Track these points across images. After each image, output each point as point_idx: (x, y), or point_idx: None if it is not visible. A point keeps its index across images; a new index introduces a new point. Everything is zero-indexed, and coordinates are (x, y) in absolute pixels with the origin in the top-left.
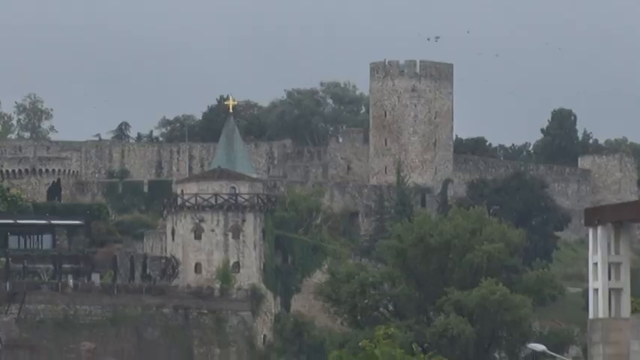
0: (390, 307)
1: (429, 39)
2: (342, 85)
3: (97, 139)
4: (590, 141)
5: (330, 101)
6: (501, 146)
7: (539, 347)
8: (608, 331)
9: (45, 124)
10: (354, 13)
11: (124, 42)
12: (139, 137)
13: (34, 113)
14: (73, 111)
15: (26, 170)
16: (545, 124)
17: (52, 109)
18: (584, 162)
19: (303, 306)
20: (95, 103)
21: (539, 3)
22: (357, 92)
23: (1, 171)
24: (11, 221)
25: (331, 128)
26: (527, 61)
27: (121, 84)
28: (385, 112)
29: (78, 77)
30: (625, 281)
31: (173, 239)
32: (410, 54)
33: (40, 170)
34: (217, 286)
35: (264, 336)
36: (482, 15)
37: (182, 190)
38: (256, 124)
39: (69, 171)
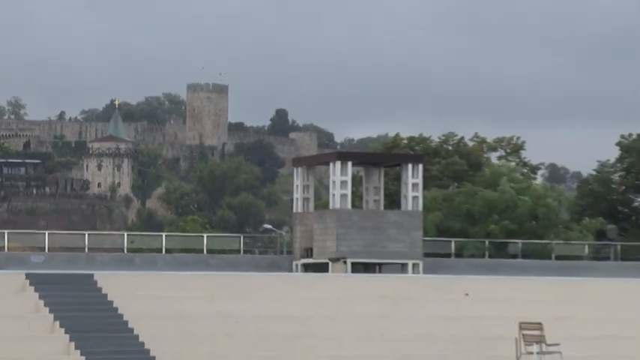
0: (195, 205)
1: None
2: (173, 94)
3: (48, 119)
4: (296, 124)
5: (167, 103)
6: (252, 126)
7: (268, 226)
8: (303, 218)
9: (22, 111)
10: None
11: (53, 71)
12: (71, 119)
13: (15, 106)
14: (36, 105)
15: (11, 135)
16: (272, 115)
17: (25, 104)
18: (293, 135)
19: (152, 205)
20: (47, 102)
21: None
22: (180, 98)
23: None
24: (3, 160)
25: (167, 116)
26: (261, 78)
27: (58, 94)
28: (194, 109)
29: (35, 87)
30: (312, 194)
31: (87, 171)
32: (207, 78)
33: (19, 134)
34: (109, 194)
35: (132, 219)
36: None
37: (92, 146)
38: (129, 113)
39: (34, 135)
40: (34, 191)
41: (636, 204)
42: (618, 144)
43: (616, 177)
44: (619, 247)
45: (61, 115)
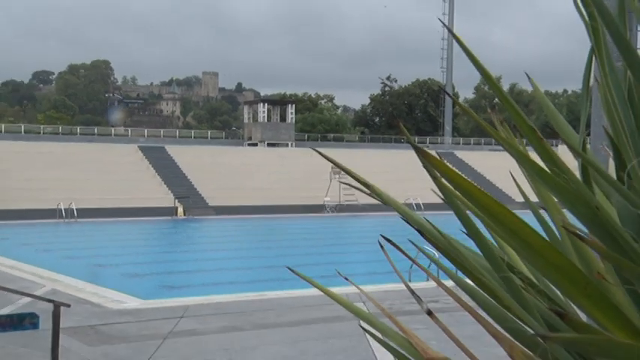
0: (205, 120)
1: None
2: (195, 75)
3: (145, 84)
4: (244, 87)
5: (193, 79)
6: (228, 89)
7: (234, 128)
8: (248, 125)
9: (136, 81)
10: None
11: None
12: (153, 84)
13: (133, 78)
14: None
15: (132, 91)
16: (236, 84)
17: (137, 77)
18: (245, 93)
19: (189, 120)
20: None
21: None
22: (199, 77)
23: None
24: (129, 100)
25: (194, 83)
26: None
27: (149, 71)
28: (206, 83)
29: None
30: (251, 116)
31: (161, 105)
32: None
33: (135, 91)
34: (171, 114)
35: (180, 124)
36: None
37: (164, 95)
38: (178, 82)
39: (141, 91)
40: (141, 113)
41: (375, 120)
42: (370, 97)
43: (369, 109)
44: (370, 137)
45: (151, 83)
